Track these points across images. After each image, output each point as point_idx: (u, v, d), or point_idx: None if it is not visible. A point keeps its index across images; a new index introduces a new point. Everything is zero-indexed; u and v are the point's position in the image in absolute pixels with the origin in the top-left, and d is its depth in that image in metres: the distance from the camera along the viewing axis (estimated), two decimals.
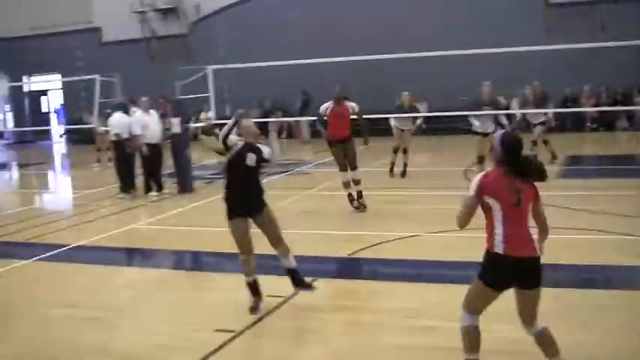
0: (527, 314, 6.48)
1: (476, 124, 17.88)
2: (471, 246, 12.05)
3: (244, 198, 8.72)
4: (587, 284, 9.67)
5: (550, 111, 23.75)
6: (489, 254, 6.35)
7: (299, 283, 9.00)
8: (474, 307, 6.49)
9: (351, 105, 15.42)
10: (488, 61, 24.41)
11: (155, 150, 18.64)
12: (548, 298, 8.90)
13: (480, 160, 17.69)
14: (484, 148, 17.46)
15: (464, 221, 6.48)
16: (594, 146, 27.55)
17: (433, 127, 31.33)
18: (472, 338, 6.46)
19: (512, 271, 6.25)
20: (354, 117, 15.40)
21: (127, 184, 18.72)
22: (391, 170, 19.93)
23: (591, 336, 7.71)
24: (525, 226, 6.27)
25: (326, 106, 15.46)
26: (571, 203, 14.36)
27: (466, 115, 18.95)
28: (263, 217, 8.90)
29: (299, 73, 29.52)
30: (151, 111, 18.98)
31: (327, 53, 24.58)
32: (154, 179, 18.86)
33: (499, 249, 6.23)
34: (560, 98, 30.74)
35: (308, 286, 8.98)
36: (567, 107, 29.78)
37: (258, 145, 8.91)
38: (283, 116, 32.54)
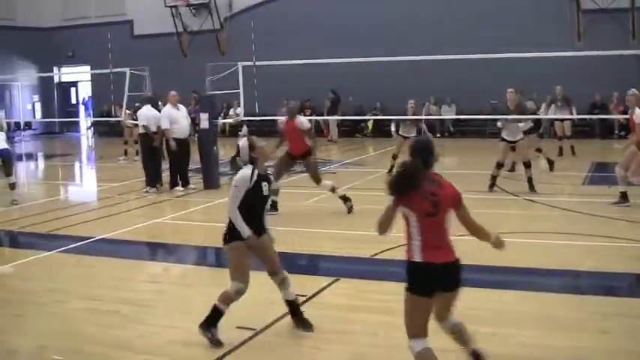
0: (445, 313, 6.65)
1: (504, 132, 17.66)
2: (492, 250, 12.04)
3: (252, 224, 8.23)
4: (609, 291, 9.63)
5: (578, 117, 23.62)
6: (410, 263, 6.41)
7: (300, 321, 8.39)
8: (417, 329, 6.47)
9: (300, 120, 15.30)
10: (518, 64, 24.33)
11: (183, 145, 18.66)
12: (572, 304, 8.91)
13: (499, 165, 17.54)
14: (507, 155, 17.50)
15: (381, 228, 6.50)
16: (620, 154, 27.31)
17: (462, 130, 31.31)
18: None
19: (434, 276, 6.33)
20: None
21: (152, 179, 18.77)
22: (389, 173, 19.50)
23: (612, 342, 7.71)
24: (443, 233, 6.36)
25: (281, 121, 15.52)
26: (594, 210, 14.27)
27: (494, 120, 18.85)
28: (265, 242, 8.45)
29: (328, 71, 29.55)
30: (180, 106, 19.00)
31: (357, 53, 24.58)
32: (180, 174, 18.92)
33: (418, 257, 6.31)
34: (589, 104, 30.58)
35: (308, 327, 8.33)
36: (595, 114, 29.58)
37: (269, 175, 8.57)
38: (311, 115, 32.60)
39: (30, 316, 9.21)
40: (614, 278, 10.16)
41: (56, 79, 45.53)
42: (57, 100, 45.40)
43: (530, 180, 16.98)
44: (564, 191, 17.15)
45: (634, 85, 28.89)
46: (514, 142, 17.35)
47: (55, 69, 44.70)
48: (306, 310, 8.66)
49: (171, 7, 38.53)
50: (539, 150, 20.75)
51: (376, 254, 11.54)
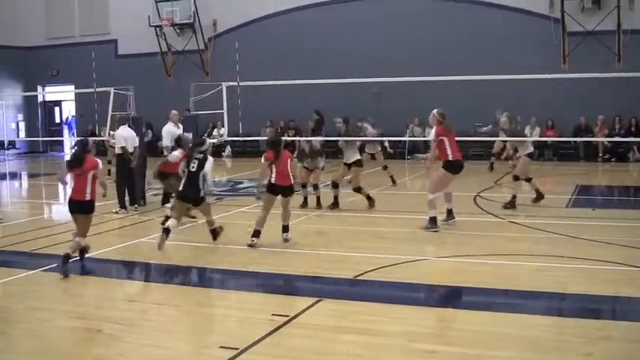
0: None
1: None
2: (477, 272, 12.08)
3: None
4: (594, 315, 9.64)
5: (559, 139, 23.74)
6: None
7: None
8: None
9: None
10: (503, 87, 24.49)
11: None
12: (555, 326, 8.94)
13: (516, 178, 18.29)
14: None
15: None
16: (604, 177, 27.50)
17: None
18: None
19: None
20: None
21: (131, 199, 18.83)
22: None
23: None
24: None
25: None
26: (578, 232, 14.32)
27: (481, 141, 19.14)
28: None
29: (312, 92, 29.58)
30: (180, 124, 19.32)
31: (341, 74, 24.67)
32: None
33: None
34: (574, 127, 30.75)
35: None
36: (580, 137, 29.73)
37: None
38: (295, 135, 32.60)
39: (13, 334, 9.18)
40: (598, 301, 10.17)
41: (40, 98, 45.37)
42: (41, 120, 45.26)
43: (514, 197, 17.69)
44: (548, 213, 17.18)
45: (619, 108, 29.24)
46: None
47: (40, 88, 44.57)
48: (289, 331, 8.66)
49: (155, 26, 38.54)
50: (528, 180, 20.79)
51: (359, 275, 11.54)
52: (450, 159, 15.15)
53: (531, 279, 11.29)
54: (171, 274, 12.73)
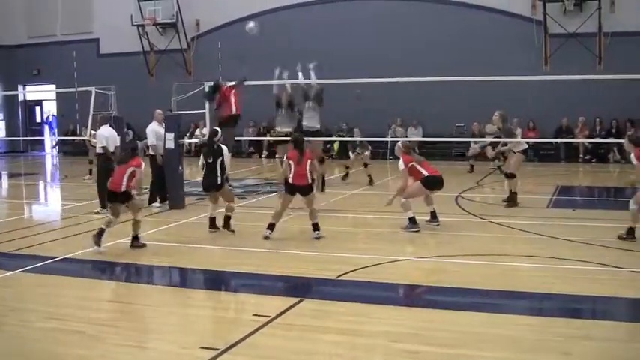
0: None
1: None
2: (458, 272, 12.11)
3: None
4: (573, 314, 9.70)
5: (540, 140, 23.76)
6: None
7: None
8: None
9: None
10: (486, 88, 24.56)
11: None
12: (535, 326, 8.98)
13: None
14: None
15: None
16: (584, 178, 27.59)
17: (427, 152, 31.46)
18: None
19: None
20: None
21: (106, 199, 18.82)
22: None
23: None
24: None
25: None
26: (558, 233, 14.37)
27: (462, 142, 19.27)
28: None
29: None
30: (163, 124, 19.33)
31: (323, 73, 24.67)
32: (161, 190, 19.25)
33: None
34: (555, 128, 30.90)
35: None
36: (561, 138, 29.86)
37: None
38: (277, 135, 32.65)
39: None
40: (578, 301, 10.22)
41: (21, 97, 45.11)
42: (22, 119, 45.01)
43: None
44: (529, 214, 17.23)
45: (600, 110, 29.38)
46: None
47: (20, 87, 44.29)
48: (270, 331, 8.66)
49: (138, 26, 38.43)
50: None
51: (340, 275, 11.55)
52: (427, 175, 15.33)
53: (512, 279, 11.33)
54: (153, 274, 12.71)
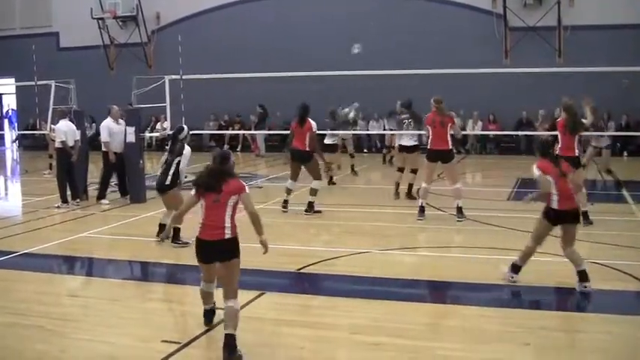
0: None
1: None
2: (418, 264, 12.18)
3: None
4: (533, 306, 9.83)
5: (501, 133, 23.85)
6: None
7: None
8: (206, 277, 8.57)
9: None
10: (445, 82, 24.59)
11: (120, 158, 18.94)
12: (496, 317, 9.06)
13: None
14: None
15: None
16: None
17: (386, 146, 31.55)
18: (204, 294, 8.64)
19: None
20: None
21: (71, 193, 18.68)
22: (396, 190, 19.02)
23: (533, 355, 7.92)
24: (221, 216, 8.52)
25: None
26: (518, 225, 14.44)
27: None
28: None
29: (257, 86, 29.60)
30: (121, 120, 19.12)
31: (285, 67, 24.68)
32: (120, 185, 19.38)
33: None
34: (516, 121, 31.13)
35: None
36: (521, 130, 30.08)
37: None
38: (240, 129, 32.57)
39: None
40: (539, 292, 10.32)
41: None
42: None
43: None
44: (489, 206, 17.33)
45: (560, 102, 29.57)
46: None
47: None
48: None
49: (98, 19, 38.13)
50: None
51: (301, 268, 11.58)
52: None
53: (473, 271, 11.42)
54: (113, 268, 12.64)
